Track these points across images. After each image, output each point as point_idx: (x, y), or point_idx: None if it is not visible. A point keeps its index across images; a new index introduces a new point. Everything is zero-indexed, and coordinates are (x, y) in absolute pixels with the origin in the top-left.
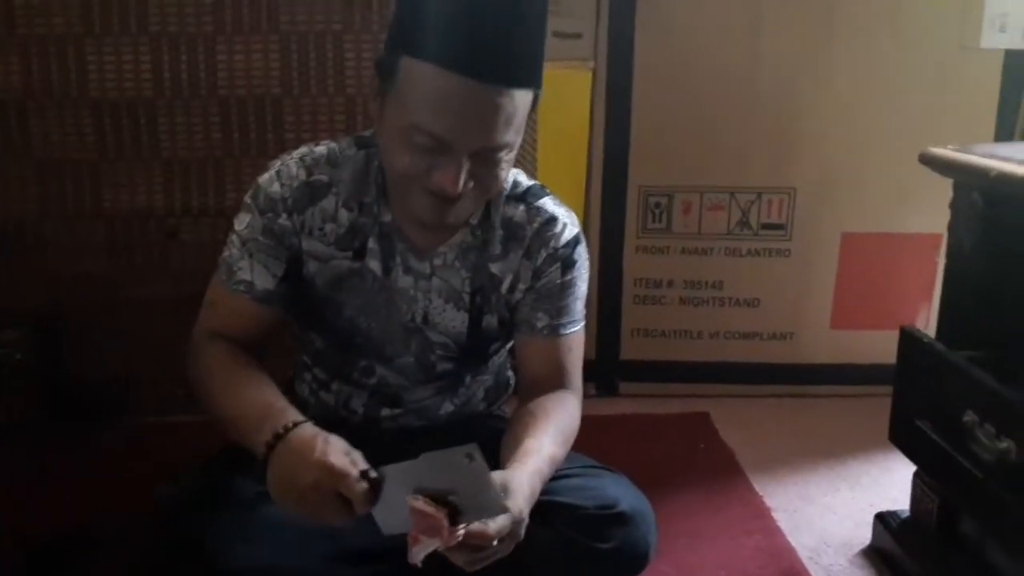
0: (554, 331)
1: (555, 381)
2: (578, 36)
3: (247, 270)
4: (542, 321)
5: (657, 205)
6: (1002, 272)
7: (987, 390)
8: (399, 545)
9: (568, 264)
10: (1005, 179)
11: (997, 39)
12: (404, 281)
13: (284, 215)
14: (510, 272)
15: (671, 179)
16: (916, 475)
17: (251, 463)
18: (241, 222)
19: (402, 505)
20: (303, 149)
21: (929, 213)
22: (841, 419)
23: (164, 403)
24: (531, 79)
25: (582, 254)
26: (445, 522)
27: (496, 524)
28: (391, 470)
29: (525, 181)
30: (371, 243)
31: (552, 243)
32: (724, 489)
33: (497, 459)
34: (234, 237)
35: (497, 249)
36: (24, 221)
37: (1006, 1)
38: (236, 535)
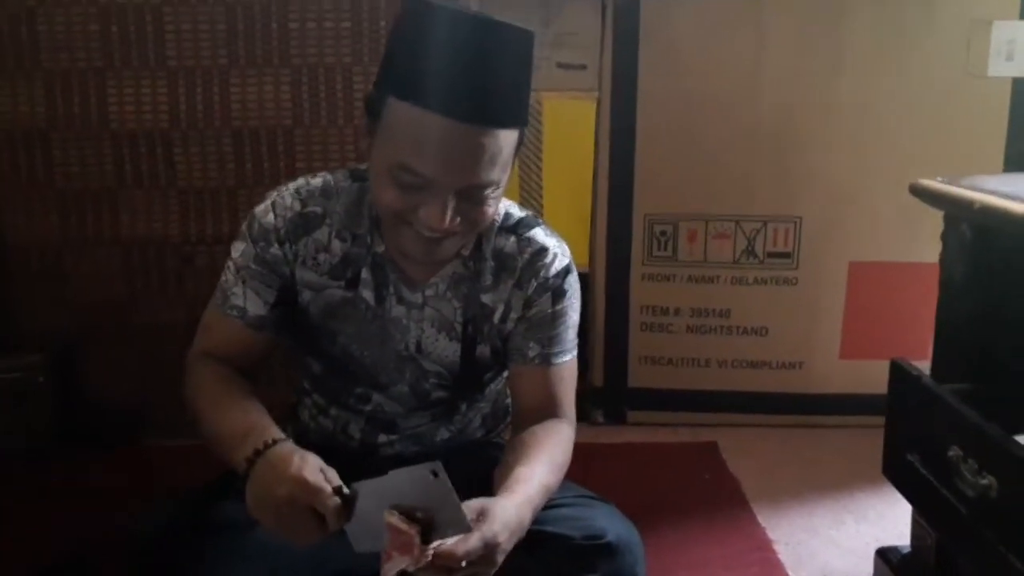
0: (546, 360)
1: (548, 410)
2: (583, 67)
3: (240, 296)
4: (534, 350)
5: (663, 233)
6: (991, 304)
7: (970, 425)
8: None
9: (559, 294)
10: (988, 212)
11: (1004, 67)
12: (397, 311)
13: (276, 245)
14: (501, 302)
15: (676, 208)
16: (915, 510)
17: (235, 489)
18: (236, 249)
19: (374, 522)
20: (299, 181)
21: (937, 243)
22: (850, 450)
23: (176, 427)
24: (515, 119)
25: (573, 284)
26: (416, 539)
27: (465, 546)
28: (363, 486)
29: (517, 213)
30: (364, 273)
31: (542, 273)
32: (727, 520)
33: (491, 487)
34: (230, 263)
35: (488, 280)
36: (46, 248)
37: (1013, 29)
38: (222, 561)
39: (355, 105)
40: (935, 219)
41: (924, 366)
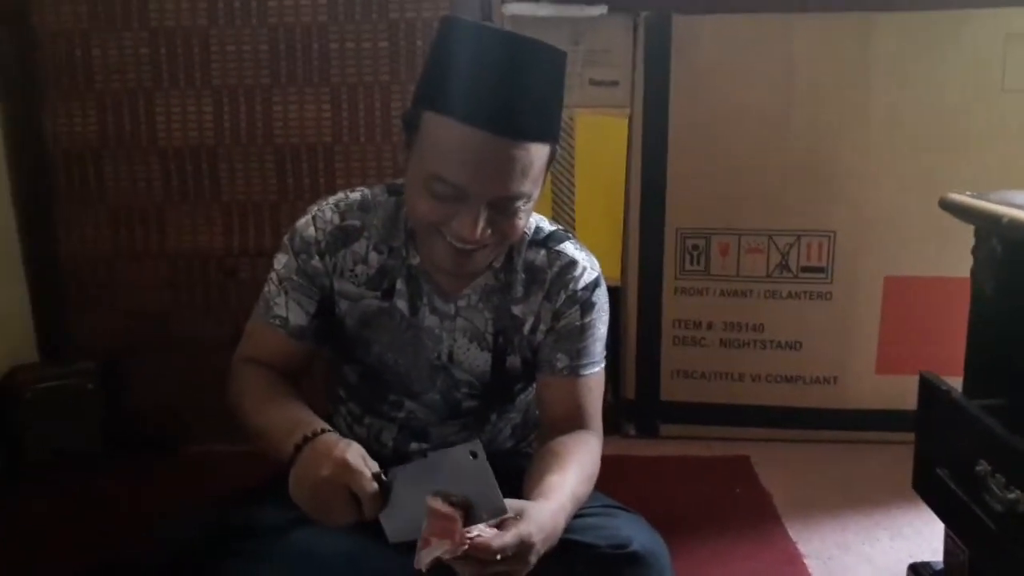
0: (574, 371)
1: (575, 421)
2: (615, 84)
3: (282, 306)
4: (562, 362)
5: (695, 247)
6: (1021, 318)
7: (998, 439)
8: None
9: (587, 307)
10: (1016, 226)
11: None
12: (430, 321)
13: (317, 257)
14: (531, 314)
15: (708, 221)
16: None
17: (276, 493)
18: (279, 262)
19: (410, 511)
20: (339, 195)
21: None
22: (885, 466)
23: (220, 435)
24: (546, 133)
25: (601, 297)
26: (459, 523)
27: (501, 540)
28: (401, 471)
29: (548, 227)
30: (399, 284)
31: (571, 286)
32: (758, 534)
33: (520, 496)
34: (273, 275)
35: (519, 292)
36: (97, 261)
37: None
38: (250, 566)
39: (393, 122)
40: (970, 233)
41: (959, 382)
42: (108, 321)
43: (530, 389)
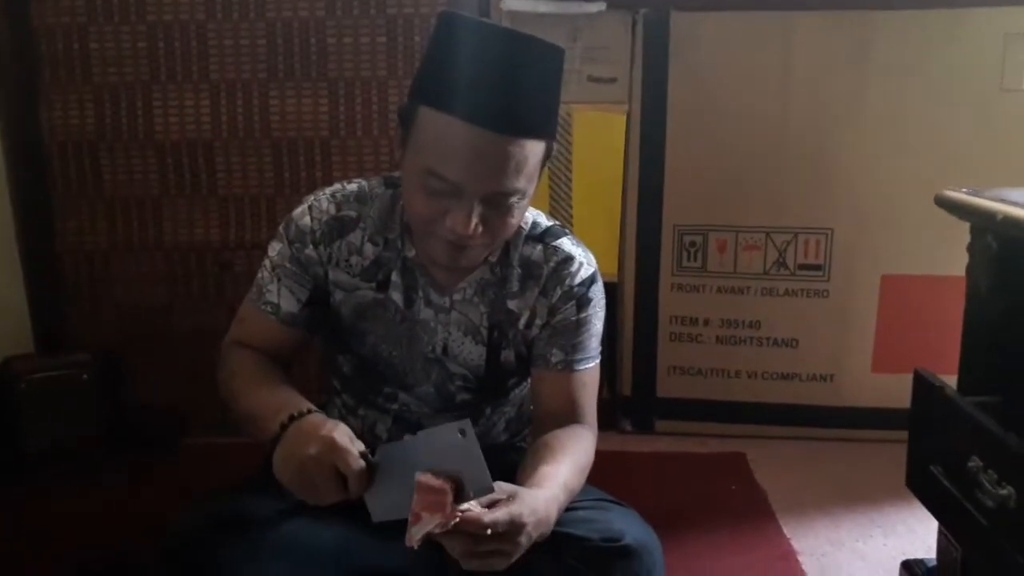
0: (568, 366)
1: (569, 416)
2: (613, 80)
3: (275, 293)
4: (557, 356)
5: (692, 244)
6: (1016, 316)
7: (990, 435)
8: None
9: (583, 302)
10: (1012, 223)
11: None
12: (425, 313)
13: (311, 246)
14: (527, 308)
15: (705, 218)
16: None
17: (265, 483)
18: (273, 249)
19: (395, 490)
20: (336, 186)
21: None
22: (880, 464)
23: (216, 429)
24: (541, 130)
25: (597, 293)
26: (450, 496)
27: (492, 516)
28: (388, 449)
29: (545, 222)
30: (394, 276)
31: (568, 281)
32: (752, 530)
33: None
34: (266, 261)
35: (515, 286)
36: (94, 253)
37: None
38: (247, 555)
39: (390, 118)
40: (966, 232)
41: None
42: (104, 314)
43: (525, 384)
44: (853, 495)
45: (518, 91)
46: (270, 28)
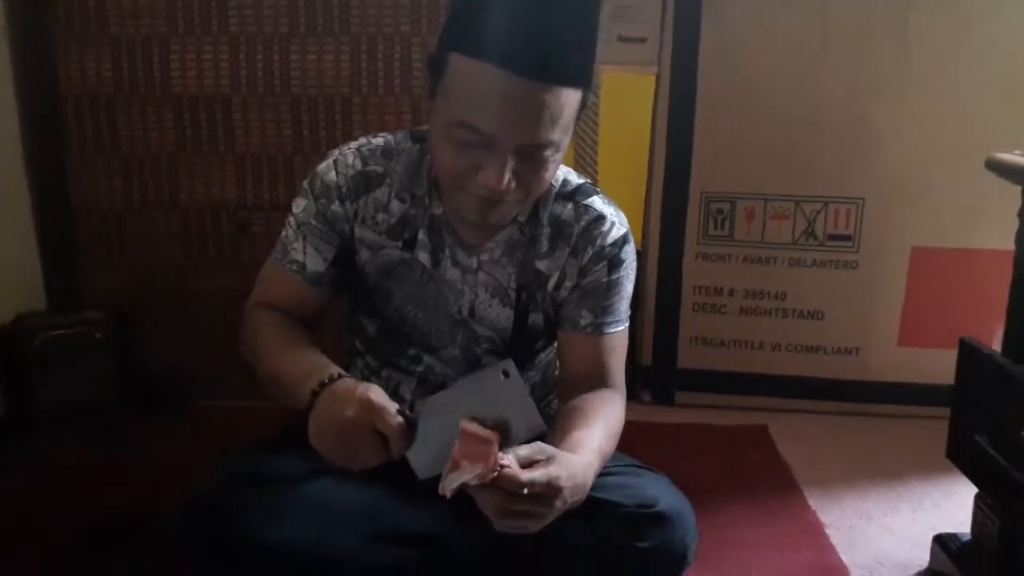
0: (597, 329)
1: (597, 380)
2: (643, 40)
3: (300, 251)
4: (586, 319)
5: (719, 212)
6: None
7: None
8: (442, 530)
9: (615, 263)
10: None
11: None
12: (452, 273)
13: (337, 202)
14: (556, 269)
15: (734, 186)
16: (977, 496)
17: (290, 443)
18: (298, 206)
19: (438, 443)
20: (361, 140)
21: (1004, 228)
22: (906, 440)
23: (229, 391)
24: (578, 78)
25: (629, 254)
26: (495, 446)
27: (529, 474)
28: (427, 403)
29: (575, 180)
30: (421, 235)
31: (599, 241)
32: (777, 502)
33: None
34: (291, 219)
35: (544, 246)
36: (108, 211)
37: None
38: (273, 513)
39: (413, 75)
40: (1002, 204)
41: None
42: (117, 273)
43: (551, 348)
44: (878, 469)
45: (554, 37)
46: None
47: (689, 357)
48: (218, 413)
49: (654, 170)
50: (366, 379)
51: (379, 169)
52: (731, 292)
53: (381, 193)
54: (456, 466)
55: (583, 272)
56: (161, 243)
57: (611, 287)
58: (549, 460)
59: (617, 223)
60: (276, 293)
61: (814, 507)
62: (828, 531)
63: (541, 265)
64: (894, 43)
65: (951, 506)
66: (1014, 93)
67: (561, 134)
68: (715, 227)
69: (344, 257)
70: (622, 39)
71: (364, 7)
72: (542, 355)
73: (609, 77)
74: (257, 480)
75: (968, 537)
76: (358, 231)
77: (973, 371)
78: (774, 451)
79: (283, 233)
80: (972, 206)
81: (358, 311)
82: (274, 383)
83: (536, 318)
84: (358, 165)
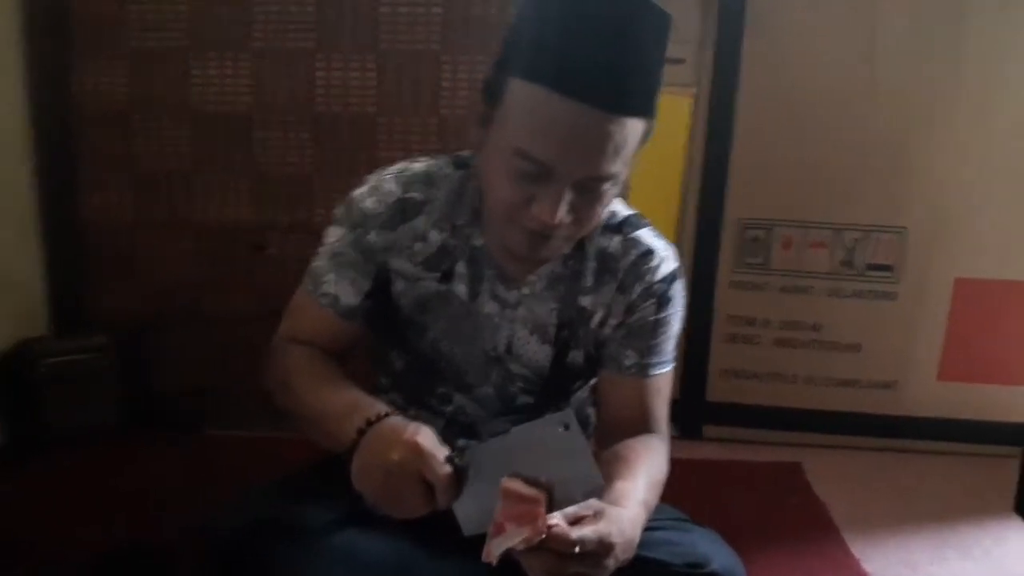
0: (642, 371)
1: (640, 424)
2: (681, 61)
3: (332, 283)
4: (631, 359)
5: (755, 239)
6: None
7: None
8: None
9: (664, 301)
10: None
11: None
12: (490, 307)
13: (375, 231)
14: (601, 306)
15: (771, 212)
16: None
17: (320, 488)
18: (332, 235)
19: (486, 497)
20: (400, 165)
21: None
22: (948, 479)
23: (240, 418)
24: (645, 108)
25: (679, 291)
26: (543, 507)
27: (580, 532)
28: (477, 451)
29: (623, 211)
30: (459, 266)
31: (648, 277)
32: (816, 548)
33: None
34: (324, 248)
35: (589, 281)
36: (119, 230)
37: None
38: (305, 562)
39: (441, 95)
40: None
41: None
42: (128, 294)
43: (586, 387)
44: (921, 511)
45: (627, 63)
46: None
47: (719, 389)
48: (228, 442)
49: (688, 193)
50: None
51: (419, 196)
52: (765, 323)
53: (420, 222)
54: (501, 529)
55: (630, 310)
56: (174, 263)
57: (659, 326)
58: (598, 515)
59: (667, 258)
60: (306, 327)
61: (856, 554)
62: None
63: (585, 301)
64: (944, 68)
65: (1002, 554)
66: None
67: (622, 166)
68: (750, 255)
69: (379, 289)
70: None
71: (392, 24)
72: (577, 393)
73: None
74: (283, 528)
75: None
76: (394, 262)
77: None
78: (809, 491)
79: (315, 263)
80: (1018, 237)
81: (386, 345)
82: (312, 421)
83: (576, 356)
84: (397, 192)
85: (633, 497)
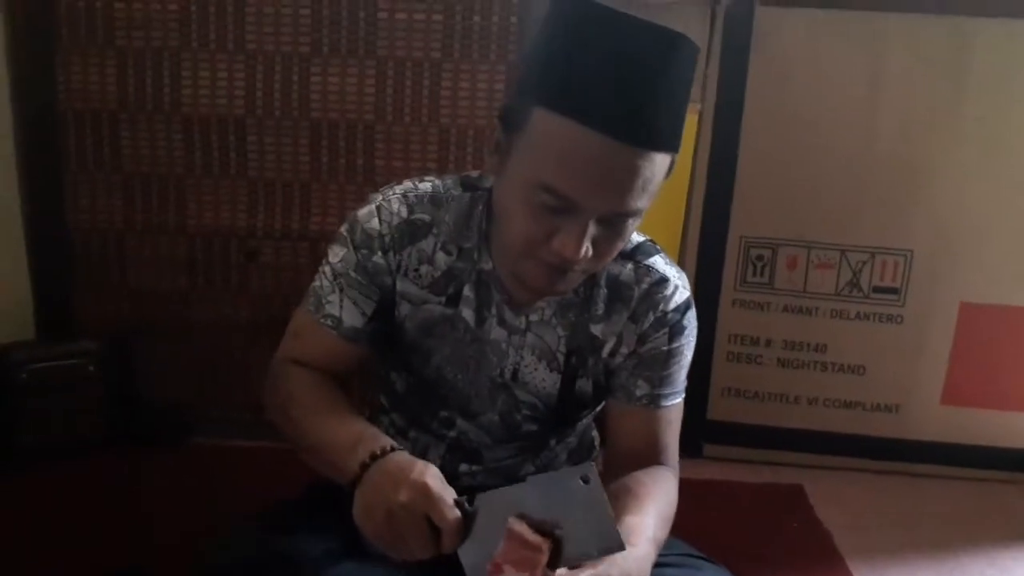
0: (653, 401)
1: (650, 456)
2: None
3: (336, 305)
4: (642, 390)
5: (759, 258)
6: None
7: None
8: None
9: (677, 330)
10: None
11: None
12: (497, 333)
13: (380, 253)
14: (613, 335)
15: (776, 231)
16: None
17: (314, 517)
18: (335, 255)
19: (494, 546)
20: (407, 184)
21: None
22: (951, 504)
23: (229, 428)
24: (672, 143)
25: (692, 320)
26: (545, 556)
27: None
28: (488, 498)
29: (635, 237)
30: (467, 290)
31: (661, 306)
32: (817, 572)
33: None
34: (327, 268)
35: (600, 309)
36: (107, 235)
37: None
38: None
39: (441, 104)
40: None
41: None
42: (115, 300)
43: (593, 413)
44: (924, 537)
45: (657, 97)
46: None
47: (720, 408)
48: (215, 452)
49: (691, 211)
50: (392, 439)
51: (426, 218)
52: (768, 343)
53: (426, 244)
54: (498, 570)
55: (642, 339)
56: (163, 270)
57: (671, 356)
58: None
59: (680, 287)
60: (308, 349)
61: None
62: None
63: (596, 329)
64: (950, 88)
65: None
66: None
67: (647, 201)
68: (754, 274)
69: (383, 311)
70: None
71: (392, 29)
72: (583, 421)
73: None
74: (278, 561)
75: None
76: (400, 284)
77: None
78: (811, 514)
79: (317, 283)
80: None
81: (388, 366)
82: (313, 450)
83: (584, 385)
84: (404, 213)
85: (641, 533)
